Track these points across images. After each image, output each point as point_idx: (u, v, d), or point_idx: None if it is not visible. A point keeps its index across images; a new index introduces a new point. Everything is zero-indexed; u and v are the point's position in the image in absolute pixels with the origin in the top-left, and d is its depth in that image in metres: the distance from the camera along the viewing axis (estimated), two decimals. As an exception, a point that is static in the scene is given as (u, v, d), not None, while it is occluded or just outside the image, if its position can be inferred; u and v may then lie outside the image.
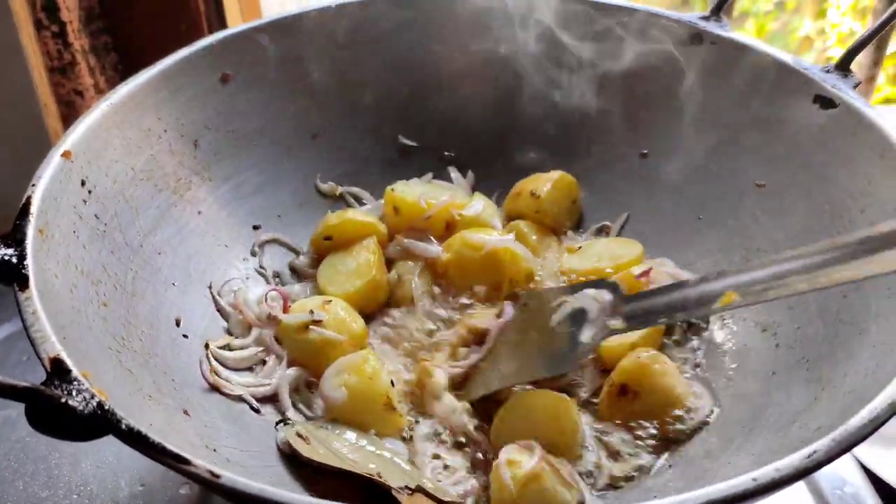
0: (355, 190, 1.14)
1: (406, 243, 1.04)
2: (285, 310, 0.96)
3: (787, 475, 0.53)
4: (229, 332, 0.96)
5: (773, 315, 0.89)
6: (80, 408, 0.56)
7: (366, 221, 1.05)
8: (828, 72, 0.93)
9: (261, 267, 1.04)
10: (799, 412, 0.75)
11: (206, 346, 0.91)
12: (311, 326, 0.91)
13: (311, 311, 0.93)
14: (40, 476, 0.96)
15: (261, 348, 0.95)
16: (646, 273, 0.96)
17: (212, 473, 0.53)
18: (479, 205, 1.07)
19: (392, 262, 1.05)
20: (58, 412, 0.56)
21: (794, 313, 0.86)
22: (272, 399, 0.91)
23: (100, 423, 0.56)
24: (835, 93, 0.91)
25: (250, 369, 0.94)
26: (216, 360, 0.91)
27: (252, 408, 0.88)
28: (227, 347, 0.94)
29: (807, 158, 0.92)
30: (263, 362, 0.94)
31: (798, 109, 0.94)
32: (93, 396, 0.57)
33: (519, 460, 0.76)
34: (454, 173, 1.16)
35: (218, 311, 0.97)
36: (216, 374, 0.89)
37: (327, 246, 1.04)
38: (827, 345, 0.79)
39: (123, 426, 0.56)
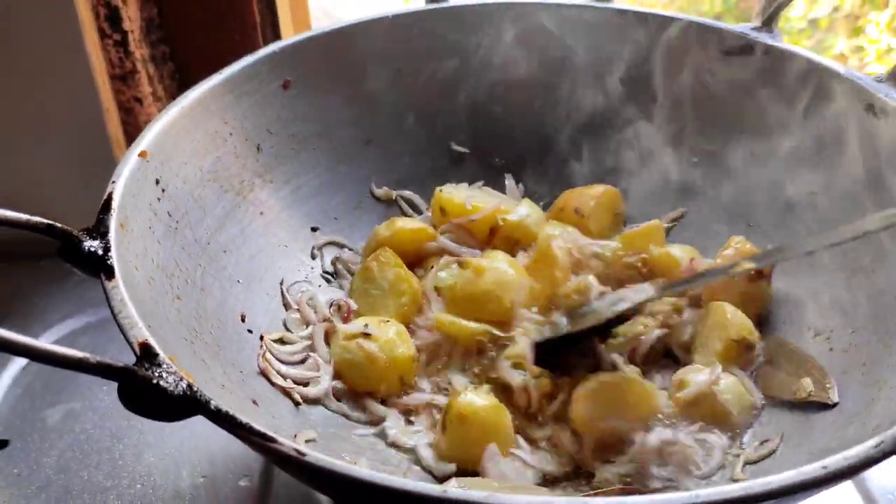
0: (408, 194, 1.17)
1: (442, 240, 1.06)
2: (346, 320, 0.99)
3: (856, 463, 0.54)
4: (286, 328, 0.99)
5: (826, 320, 0.90)
6: (171, 388, 0.59)
7: (417, 228, 1.07)
8: (880, 81, 0.95)
9: (324, 272, 1.08)
10: (855, 414, 0.76)
11: (262, 337, 0.94)
12: (359, 340, 0.93)
13: (366, 325, 0.94)
14: (104, 466, 0.99)
15: (309, 342, 0.97)
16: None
17: (297, 451, 0.56)
18: (524, 210, 1.08)
19: (426, 258, 1.06)
20: (150, 392, 0.58)
21: (848, 318, 0.88)
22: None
23: (190, 403, 0.59)
24: (887, 101, 0.92)
25: (302, 362, 0.95)
26: (269, 351, 0.93)
27: (294, 401, 0.89)
28: (281, 341, 0.96)
29: (859, 166, 0.94)
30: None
31: (850, 118, 0.95)
32: (182, 378, 0.60)
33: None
34: (509, 181, 1.18)
35: (284, 305, 1.00)
36: (267, 361, 0.91)
37: None
38: (882, 347, 0.80)
39: (213, 406, 0.58)
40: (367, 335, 0.92)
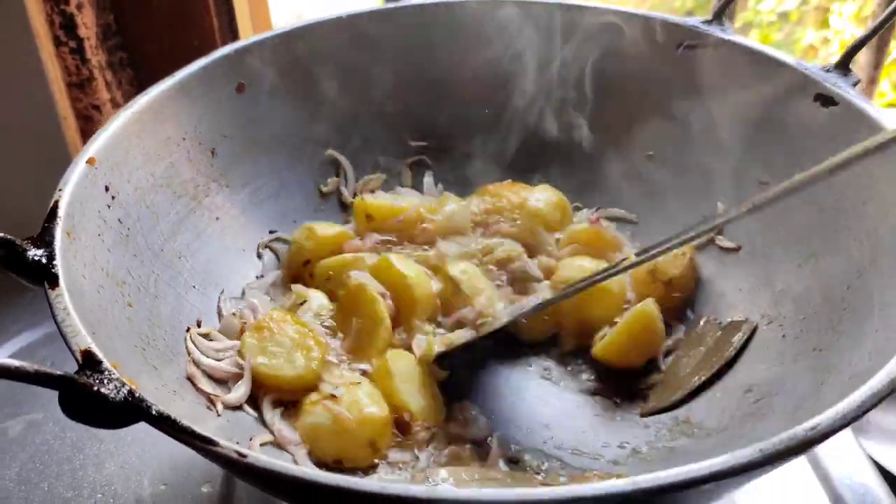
0: (342, 159, 1.17)
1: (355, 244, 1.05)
2: None
3: (792, 446, 0.55)
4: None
5: (778, 307, 0.91)
6: (112, 395, 0.58)
7: (338, 233, 1.06)
8: (828, 71, 0.96)
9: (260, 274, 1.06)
10: (804, 398, 0.76)
11: (188, 329, 0.91)
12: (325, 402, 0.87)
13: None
14: (65, 477, 0.98)
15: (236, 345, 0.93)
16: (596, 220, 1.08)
17: (238, 453, 0.55)
18: (450, 207, 1.08)
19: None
20: (91, 400, 0.58)
21: (800, 305, 0.88)
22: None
23: (131, 409, 0.58)
24: (835, 91, 0.93)
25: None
26: (195, 345, 0.89)
27: (216, 410, 0.84)
28: (208, 336, 0.93)
29: (809, 155, 0.93)
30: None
31: (800, 108, 0.96)
32: (123, 385, 0.59)
33: None
34: (427, 178, 1.19)
35: (218, 313, 0.98)
36: (195, 365, 0.87)
37: (306, 271, 1.03)
38: (831, 332, 0.81)
39: (154, 412, 0.58)
40: (333, 397, 0.86)
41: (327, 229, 1.06)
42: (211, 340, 0.92)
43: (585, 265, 1.02)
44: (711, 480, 0.51)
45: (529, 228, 1.07)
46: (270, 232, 1.09)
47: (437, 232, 1.05)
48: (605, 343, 0.96)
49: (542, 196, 1.09)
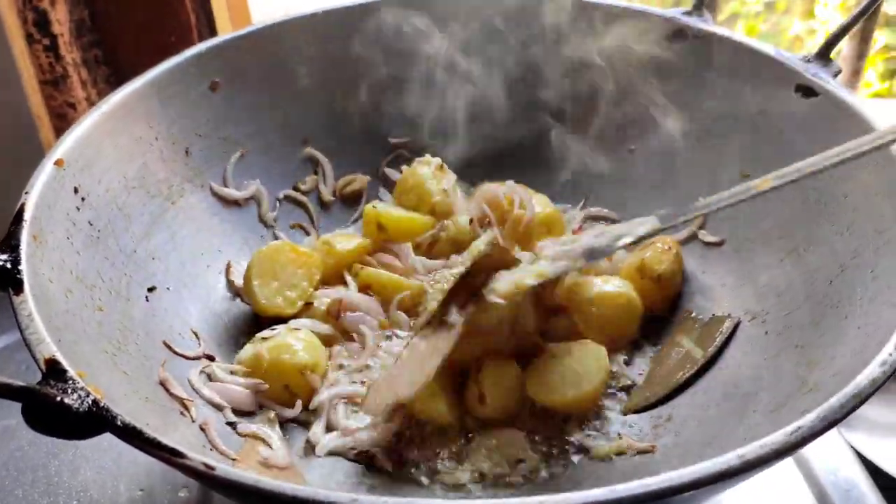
0: (320, 156, 1.15)
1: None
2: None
3: (773, 451, 0.54)
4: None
5: (762, 302, 0.90)
6: (76, 406, 0.57)
7: (357, 246, 1.04)
8: (808, 61, 0.95)
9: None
10: (788, 396, 0.75)
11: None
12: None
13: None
14: (40, 484, 0.96)
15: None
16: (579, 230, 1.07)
17: (206, 465, 0.54)
18: (463, 219, 1.06)
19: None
20: (54, 411, 0.57)
21: (783, 300, 0.88)
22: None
23: (96, 420, 0.57)
24: (815, 81, 0.92)
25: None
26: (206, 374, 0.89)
27: (190, 416, 0.81)
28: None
29: (791, 147, 0.93)
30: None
31: (781, 99, 0.95)
32: (88, 395, 0.58)
33: None
34: None
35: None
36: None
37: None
38: (814, 329, 0.80)
39: (119, 422, 0.57)
40: (265, 339, 0.91)
41: (345, 244, 1.03)
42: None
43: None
44: (692, 488, 0.50)
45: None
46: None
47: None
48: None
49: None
